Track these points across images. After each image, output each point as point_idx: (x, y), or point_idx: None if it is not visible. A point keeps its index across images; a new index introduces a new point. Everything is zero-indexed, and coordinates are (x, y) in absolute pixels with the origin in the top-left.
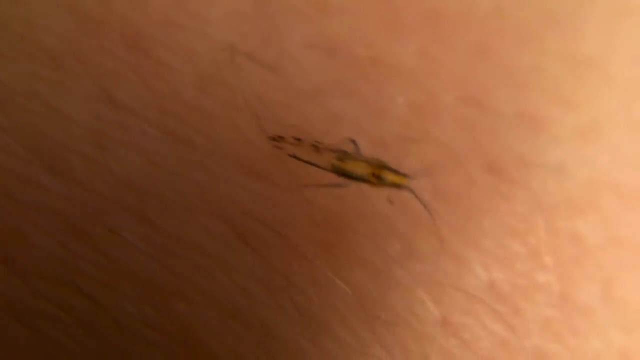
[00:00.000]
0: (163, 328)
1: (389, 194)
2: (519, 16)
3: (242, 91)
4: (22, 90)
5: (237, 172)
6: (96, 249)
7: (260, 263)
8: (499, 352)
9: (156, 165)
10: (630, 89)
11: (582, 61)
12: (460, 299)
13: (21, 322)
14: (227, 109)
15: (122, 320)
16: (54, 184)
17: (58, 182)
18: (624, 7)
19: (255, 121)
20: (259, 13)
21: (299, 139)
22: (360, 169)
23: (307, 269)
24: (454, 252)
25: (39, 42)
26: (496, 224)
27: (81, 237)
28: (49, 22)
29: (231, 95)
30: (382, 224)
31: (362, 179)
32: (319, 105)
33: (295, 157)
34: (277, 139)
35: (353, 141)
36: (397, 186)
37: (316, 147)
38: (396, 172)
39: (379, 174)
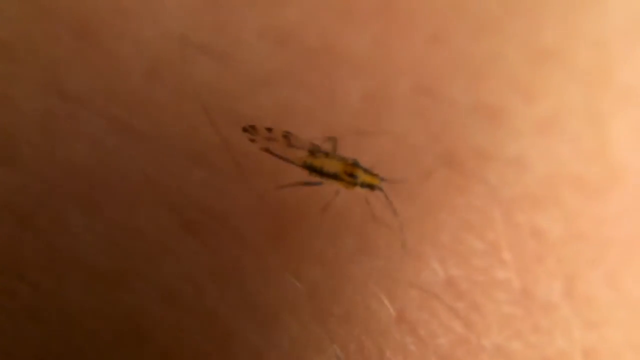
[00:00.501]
0: (107, 317)
1: (365, 194)
2: (476, 4)
3: (192, 80)
4: None
5: (184, 162)
6: (41, 236)
7: (207, 253)
8: (458, 349)
9: (104, 154)
10: (592, 78)
11: (542, 51)
12: (417, 295)
13: None
14: (176, 98)
15: (66, 308)
16: (0, 172)
17: (4, 170)
18: None
19: (204, 110)
20: (211, 2)
21: (270, 129)
22: (332, 166)
23: (255, 261)
24: (409, 247)
25: None
26: (453, 219)
27: (26, 224)
28: None
29: (181, 84)
30: (334, 218)
31: (335, 177)
32: (269, 95)
33: (268, 151)
34: (249, 129)
35: (333, 139)
36: (369, 186)
37: (288, 140)
38: (369, 172)
39: (351, 171)
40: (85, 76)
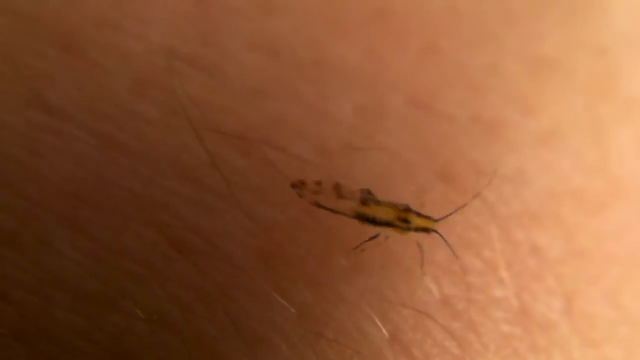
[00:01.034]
0: (93, 338)
1: (417, 238)
2: (473, 14)
3: (179, 95)
4: None
5: (171, 179)
6: (26, 255)
7: (195, 273)
8: None
9: (89, 171)
10: (594, 89)
11: (542, 61)
12: (411, 316)
13: None
14: (164, 113)
15: (51, 329)
16: None
17: None
18: (586, 3)
19: (192, 126)
20: (199, 14)
21: (319, 183)
22: (385, 213)
23: (244, 281)
24: (403, 266)
25: None
26: (449, 236)
27: (11, 243)
28: None
29: (168, 99)
30: (325, 236)
31: (388, 224)
32: (259, 108)
33: (318, 205)
34: (299, 185)
35: (368, 191)
36: (425, 230)
37: (338, 191)
38: (422, 215)
39: (405, 217)
40: (70, 91)
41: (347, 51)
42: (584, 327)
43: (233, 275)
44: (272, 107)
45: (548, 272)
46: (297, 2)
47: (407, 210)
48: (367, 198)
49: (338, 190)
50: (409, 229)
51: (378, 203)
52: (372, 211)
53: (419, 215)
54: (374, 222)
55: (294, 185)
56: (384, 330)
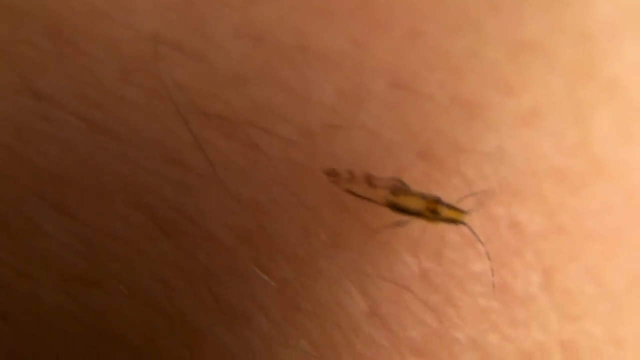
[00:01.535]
0: (79, 317)
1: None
2: (456, 0)
3: (165, 81)
4: None
5: (158, 162)
6: (14, 238)
7: (179, 252)
8: (430, 342)
9: (77, 156)
10: (575, 71)
11: (523, 44)
12: (389, 289)
13: None
14: (150, 98)
15: (38, 310)
16: None
17: None
18: None
19: (177, 110)
20: (185, 2)
21: (352, 173)
22: (415, 203)
23: (226, 259)
24: (382, 241)
25: None
26: None
27: (0, 227)
28: None
29: (155, 85)
30: (306, 213)
31: (418, 214)
32: (243, 92)
33: (350, 192)
34: (332, 173)
35: (400, 181)
36: (453, 221)
37: (369, 180)
38: (452, 207)
39: (434, 208)
40: (58, 78)
41: (330, 36)
42: (563, 302)
43: (216, 254)
44: (256, 91)
45: (527, 247)
46: None
47: (437, 201)
48: (398, 187)
49: (369, 179)
50: (436, 219)
51: (408, 193)
52: (401, 200)
53: (449, 207)
54: (404, 210)
55: (328, 174)
56: (362, 303)
